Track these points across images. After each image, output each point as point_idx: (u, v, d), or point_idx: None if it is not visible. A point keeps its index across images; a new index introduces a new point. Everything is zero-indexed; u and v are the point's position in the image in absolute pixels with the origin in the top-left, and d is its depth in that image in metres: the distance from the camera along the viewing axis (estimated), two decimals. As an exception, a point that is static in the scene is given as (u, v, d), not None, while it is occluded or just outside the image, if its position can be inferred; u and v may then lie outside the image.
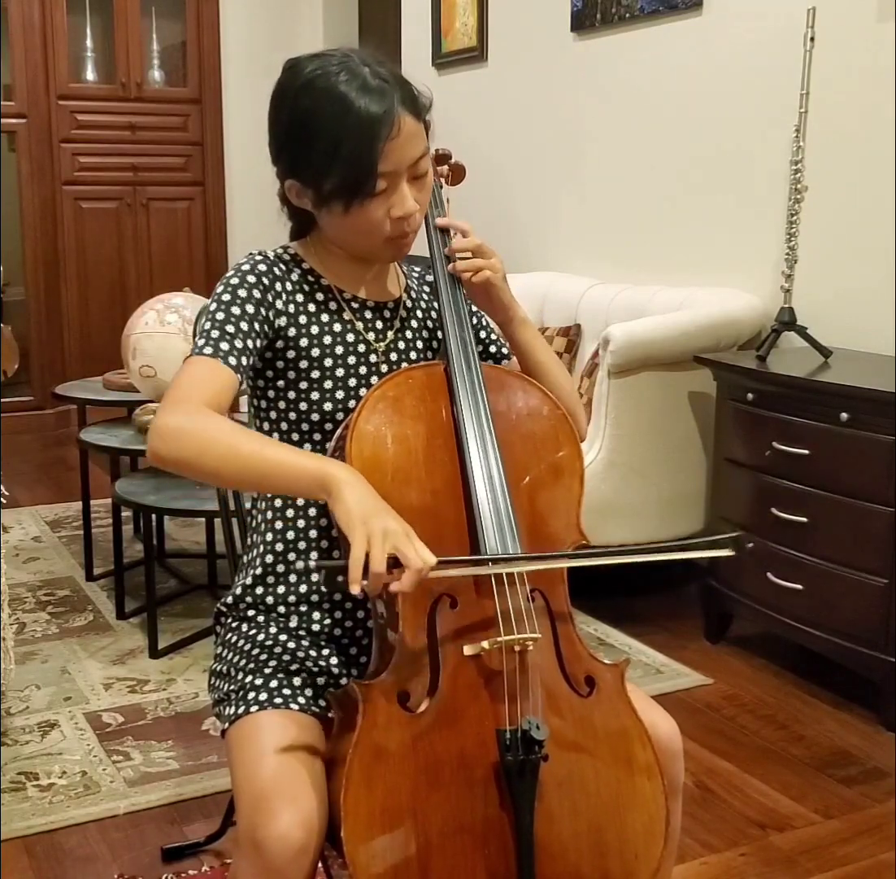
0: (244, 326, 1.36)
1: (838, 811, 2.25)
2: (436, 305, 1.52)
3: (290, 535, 1.45)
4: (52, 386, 4.03)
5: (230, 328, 1.35)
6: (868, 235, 2.99)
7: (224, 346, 1.34)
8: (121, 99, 5.60)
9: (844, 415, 2.54)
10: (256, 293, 1.39)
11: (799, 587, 2.68)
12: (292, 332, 1.42)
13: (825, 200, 3.03)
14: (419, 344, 1.52)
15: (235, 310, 1.37)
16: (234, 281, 1.40)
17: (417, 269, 1.58)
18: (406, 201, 1.37)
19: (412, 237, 1.42)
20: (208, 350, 1.34)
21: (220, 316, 1.36)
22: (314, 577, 1.44)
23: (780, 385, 2.74)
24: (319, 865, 1.28)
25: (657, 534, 3.17)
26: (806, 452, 2.64)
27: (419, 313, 1.54)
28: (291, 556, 1.45)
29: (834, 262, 3.08)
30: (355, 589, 1.14)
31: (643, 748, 1.33)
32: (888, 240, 2.92)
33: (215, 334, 1.35)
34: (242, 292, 1.38)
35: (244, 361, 1.35)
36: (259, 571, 1.47)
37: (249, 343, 1.36)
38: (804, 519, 2.65)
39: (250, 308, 1.38)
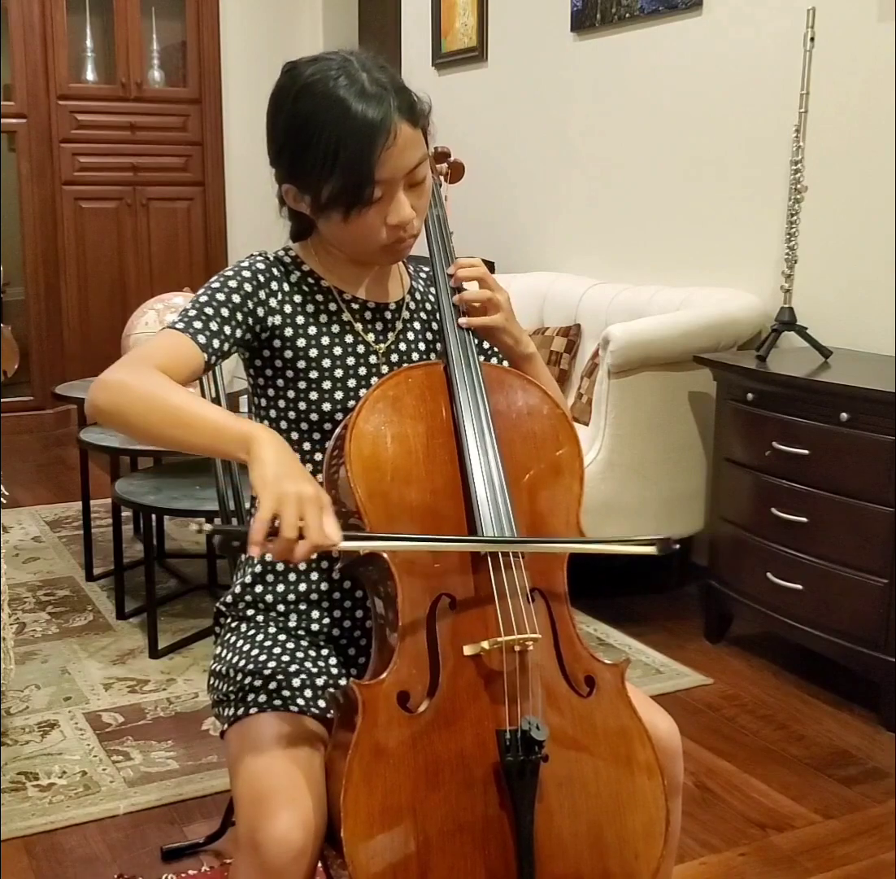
0: (224, 312, 1.37)
1: (838, 811, 2.25)
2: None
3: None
4: (52, 386, 4.03)
5: (209, 310, 1.37)
6: (868, 235, 2.99)
7: (197, 325, 1.35)
8: (121, 99, 5.59)
9: (844, 415, 2.54)
10: (248, 287, 1.40)
11: (799, 587, 2.68)
12: (289, 332, 1.42)
13: (825, 200, 3.03)
14: (421, 346, 1.51)
15: (220, 297, 1.38)
16: (229, 273, 1.42)
17: (426, 269, 1.57)
18: (402, 209, 1.36)
19: (411, 242, 1.42)
20: (180, 326, 1.35)
21: (203, 299, 1.38)
22: (314, 576, 1.45)
23: (779, 385, 2.74)
24: (319, 865, 1.28)
25: (657, 534, 3.17)
26: (806, 452, 2.64)
27: (423, 315, 1.54)
28: (291, 555, 1.45)
29: (834, 262, 3.08)
30: (254, 551, 1.13)
31: (643, 748, 1.33)
32: (888, 240, 2.92)
33: (192, 313, 1.37)
34: (233, 283, 1.40)
35: (216, 343, 1.36)
36: (258, 569, 1.47)
37: (227, 329, 1.37)
38: (804, 519, 2.65)
39: (236, 298, 1.39)
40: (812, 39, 2.81)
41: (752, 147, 3.33)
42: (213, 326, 1.36)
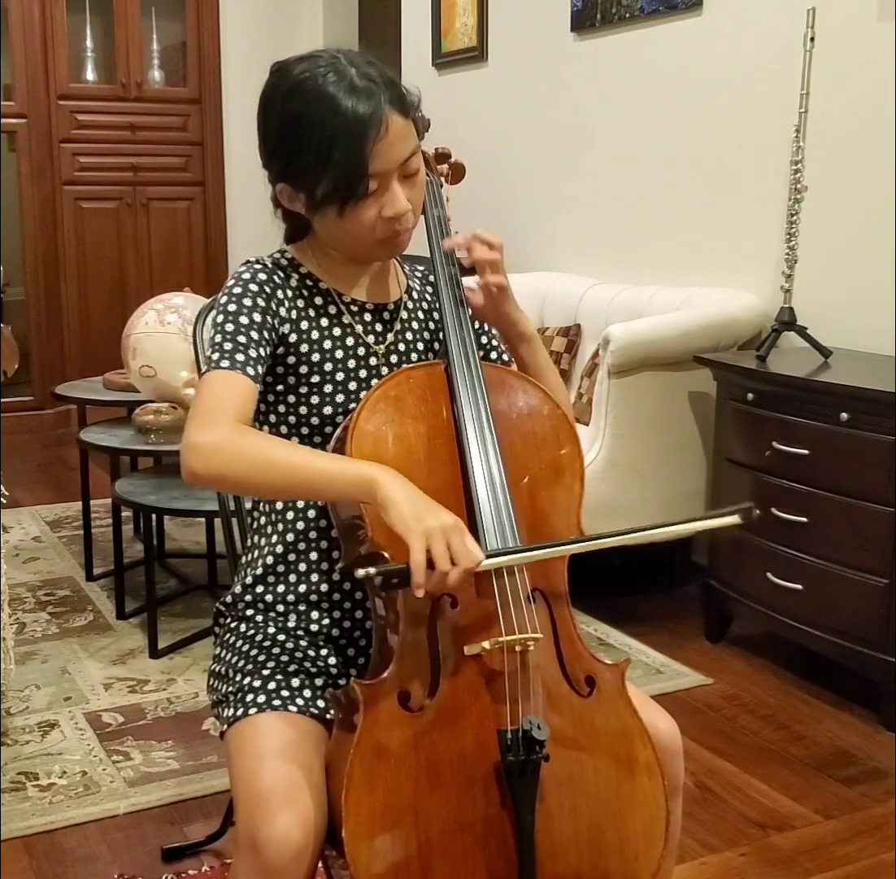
0: (254, 334, 1.36)
1: (838, 811, 2.25)
2: (438, 305, 1.51)
3: (290, 537, 1.45)
4: (52, 386, 4.03)
5: (242, 338, 1.35)
6: (868, 234, 2.99)
7: (240, 357, 1.33)
8: (121, 99, 5.60)
9: (844, 415, 2.54)
10: (261, 301, 1.39)
11: (799, 587, 2.68)
12: (294, 337, 1.42)
13: (825, 200, 3.03)
14: (420, 345, 1.51)
15: (243, 320, 1.36)
16: (237, 290, 1.39)
17: (421, 268, 1.57)
18: (397, 201, 1.36)
19: (407, 235, 1.42)
20: (225, 363, 1.33)
21: (229, 327, 1.36)
22: (314, 577, 1.44)
23: (779, 385, 2.74)
24: (320, 865, 1.28)
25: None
26: (806, 452, 2.64)
27: (420, 314, 1.54)
28: (292, 556, 1.45)
29: (834, 262, 3.08)
30: (420, 593, 1.17)
31: (643, 748, 1.33)
32: (888, 240, 2.92)
33: (228, 346, 1.34)
34: (247, 301, 1.38)
35: (260, 369, 1.35)
36: (259, 571, 1.47)
37: (262, 351, 1.36)
38: (804, 519, 2.65)
39: (257, 317, 1.37)
40: (812, 39, 2.81)
41: (752, 147, 3.33)
42: (253, 353, 1.35)
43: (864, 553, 2.53)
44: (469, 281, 1.49)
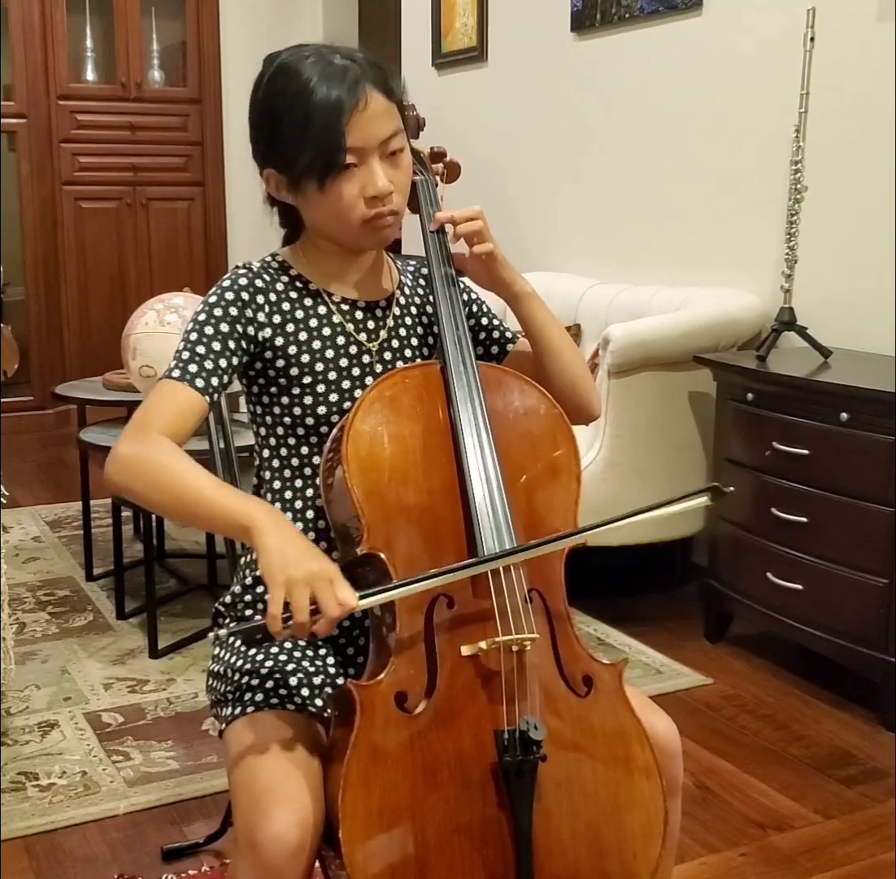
0: (216, 345, 1.37)
1: (838, 811, 2.25)
2: (431, 300, 1.51)
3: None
4: (52, 386, 4.03)
5: (201, 349, 1.37)
6: (868, 234, 2.99)
7: (192, 368, 1.36)
8: (121, 99, 5.60)
9: (844, 415, 2.54)
10: (233, 310, 1.40)
11: (799, 587, 2.68)
12: (280, 341, 1.42)
13: (825, 200, 3.03)
14: (414, 341, 1.51)
15: (208, 330, 1.38)
16: (212, 300, 1.41)
17: (413, 262, 1.57)
18: (377, 179, 1.36)
19: (393, 220, 1.41)
20: (176, 373, 1.36)
21: (192, 337, 1.38)
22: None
23: (780, 385, 2.74)
24: (316, 865, 1.28)
25: (656, 534, 3.17)
26: (806, 452, 2.64)
27: (413, 310, 1.53)
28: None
29: (834, 262, 3.08)
30: (279, 638, 1.19)
31: (641, 749, 1.32)
32: (888, 240, 2.92)
33: (185, 356, 1.37)
34: (218, 311, 1.39)
35: (215, 381, 1.37)
36: (259, 571, 1.47)
37: (222, 362, 1.37)
38: (804, 519, 2.65)
39: (224, 326, 1.38)
40: (812, 39, 2.81)
41: (752, 147, 3.33)
42: (208, 364, 1.36)
43: (864, 553, 2.53)
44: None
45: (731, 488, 1.36)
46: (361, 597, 1.21)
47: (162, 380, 1.37)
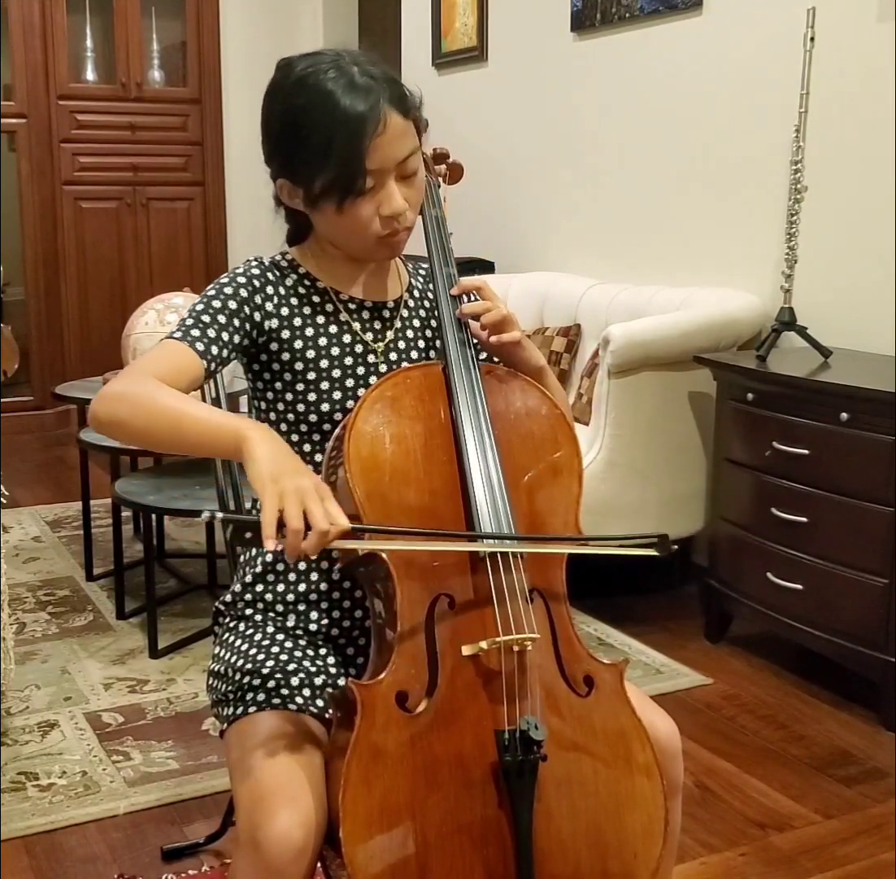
0: (221, 318, 1.38)
1: (838, 811, 2.25)
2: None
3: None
4: (52, 386, 4.03)
5: (206, 318, 1.38)
6: (868, 235, 2.99)
7: (194, 332, 1.36)
8: (121, 99, 5.59)
9: (844, 415, 2.54)
10: (243, 292, 1.41)
11: (799, 587, 2.68)
12: (286, 334, 1.42)
13: (825, 200, 3.03)
14: (420, 344, 1.51)
15: (216, 303, 1.39)
16: (224, 281, 1.42)
17: (425, 266, 1.57)
18: (394, 200, 1.37)
19: (405, 235, 1.42)
20: (177, 334, 1.37)
21: (199, 308, 1.39)
22: (313, 576, 1.45)
23: (780, 385, 2.74)
24: (318, 865, 1.28)
25: (657, 532, 3.17)
26: (806, 452, 2.64)
27: (422, 313, 1.54)
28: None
29: (834, 262, 3.08)
30: (269, 545, 1.14)
31: (642, 748, 1.33)
32: (888, 240, 2.92)
33: (190, 321, 1.38)
34: (228, 290, 1.41)
35: (215, 349, 1.37)
36: (259, 569, 1.47)
37: (224, 335, 1.38)
38: (804, 519, 2.65)
39: (232, 304, 1.40)
40: (812, 39, 2.81)
41: (752, 147, 3.33)
42: (211, 332, 1.37)
43: (864, 553, 2.53)
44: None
45: (676, 547, 1.37)
46: (354, 527, 1.20)
47: (162, 340, 1.37)
